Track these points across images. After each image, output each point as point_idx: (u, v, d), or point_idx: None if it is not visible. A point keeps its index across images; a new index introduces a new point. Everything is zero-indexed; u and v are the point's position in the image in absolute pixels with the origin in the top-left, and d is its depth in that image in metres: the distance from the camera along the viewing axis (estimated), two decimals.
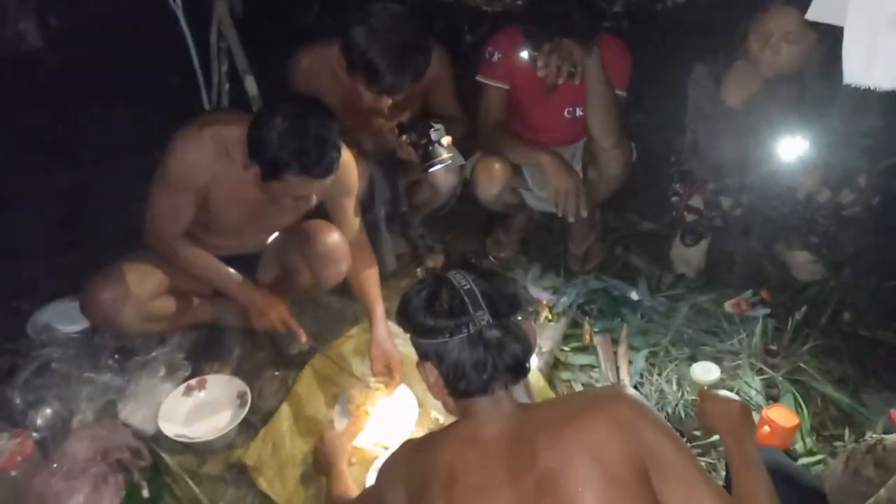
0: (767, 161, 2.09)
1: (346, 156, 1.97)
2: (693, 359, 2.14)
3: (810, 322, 2.22)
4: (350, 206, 2.05)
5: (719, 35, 2.43)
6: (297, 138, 1.65)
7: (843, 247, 2.34)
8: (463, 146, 2.42)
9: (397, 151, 2.13)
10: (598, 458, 1.09)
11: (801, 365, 2.06)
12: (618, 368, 2.13)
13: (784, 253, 2.50)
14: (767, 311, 2.27)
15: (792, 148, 2.00)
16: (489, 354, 1.20)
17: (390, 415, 1.97)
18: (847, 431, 1.86)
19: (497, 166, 2.30)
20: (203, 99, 2.56)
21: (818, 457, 1.82)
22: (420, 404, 2.02)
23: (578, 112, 2.29)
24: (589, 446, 1.11)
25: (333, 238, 2.02)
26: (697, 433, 1.90)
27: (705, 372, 1.95)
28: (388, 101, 2.03)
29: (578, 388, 2.10)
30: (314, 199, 1.80)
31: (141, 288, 1.91)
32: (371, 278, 2.08)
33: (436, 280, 1.25)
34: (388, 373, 2.00)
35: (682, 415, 1.95)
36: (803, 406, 1.93)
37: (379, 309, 2.06)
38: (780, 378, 2.02)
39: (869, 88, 1.97)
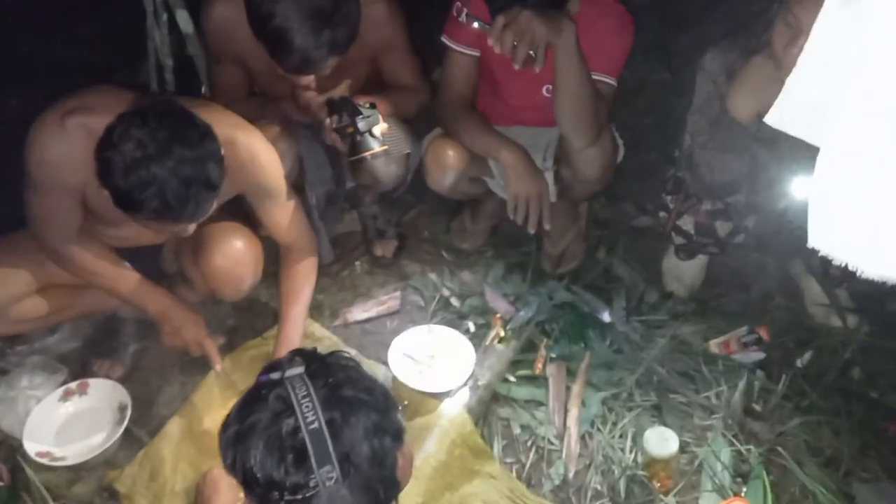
0: (783, 187, 1.64)
1: (258, 146, 1.61)
2: (658, 409, 1.80)
3: (809, 377, 1.85)
4: (275, 206, 1.72)
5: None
6: (148, 175, 1.30)
7: (869, 297, 1.90)
8: (422, 122, 2.03)
9: (323, 134, 1.76)
10: None
11: (784, 438, 1.70)
12: (566, 412, 1.81)
13: (800, 276, 2.07)
14: (761, 356, 1.88)
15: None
16: None
17: None
18: None
19: (451, 154, 1.91)
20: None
21: None
22: None
23: None
24: None
25: (234, 248, 1.70)
26: None
27: (661, 442, 1.62)
28: (306, 80, 1.64)
29: (517, 430, 1.79)
30: (189, 230, 1.46)
31: (1, 289, 1.64)
32: (296, 292, 1.77)
33: (275, 406, 0.93)
34: None
35: (624, 489, 1.64)
36: (771, 500, 1.58)
37: (289, 329, 1.75)
38: (755, 455, 1.67)
39: None
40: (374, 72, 1.93)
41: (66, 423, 1.74)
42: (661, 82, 2.88)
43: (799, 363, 1.89)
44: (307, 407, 0.90)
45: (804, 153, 1.67)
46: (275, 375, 0.97)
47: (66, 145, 1.46)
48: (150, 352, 1.92)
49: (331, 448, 0.88)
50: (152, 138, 1.31)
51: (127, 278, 1.65)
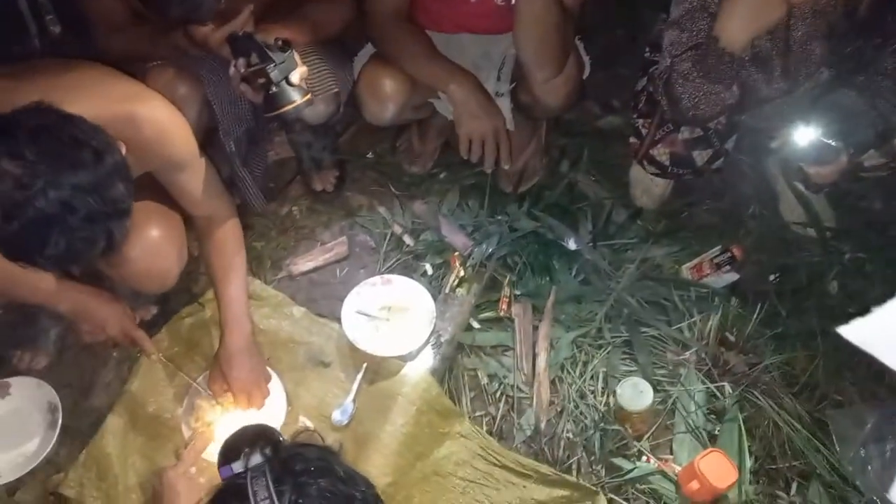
0: (771, 112, 1.43)
1: (161, 116, 1.33)
2: (629, 345, 1.72)
3: (784, 295, 1.77)
4: (183, 177, 1.46)
5: None
6: (38, 220, 1.02)
7: (849, 207, 1.77)
8: (349, 38, 1.71)
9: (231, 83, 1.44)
10: None
11: (758, 372, 1.65)
12: (535, 356, 1.72)
13: (775, 178, 1.93)
14: (734, 277, 1.78)
15: (807, 131, 1.34)
16: None
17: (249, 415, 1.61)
18: (795, 481, 1.53)
19: (388, 84, 1.62)
20: None
21: None
22: (289, 400, 1.65)
23: None
24: None
25: (151, 240, 1.45)
26: (614, 461, 1.57)
27: (636, 395, 1.55)
28: (206, 28, 1.31)
29: (484, 380, 1.71)
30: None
31: None
32: (228, 267, 1.56)
33: None
34: (225, 394, 1.58)
35: (599, 441, 1.59)
36: (747, 442, 1.55)
37: (231, 311, 1.55)
38: (728, 394, 1.62)
39: None
40: None
41: None
42: None
43: (773, 279, 1.81)
44: None
45: (795, 69, 1.46)
46: (237, 466, 0.88)
47: None
48: (75, 333, 1.72)
49: None
50: (31, 172, 1.01)
51: (28, 280, 1.39)
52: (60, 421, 1.56)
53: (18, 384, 1.61)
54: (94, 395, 1.67)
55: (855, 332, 0.51)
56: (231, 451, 1.01)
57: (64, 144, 1.06)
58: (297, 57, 1.38)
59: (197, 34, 1.43)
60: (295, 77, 1.37)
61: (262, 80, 1.37)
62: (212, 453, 1.55)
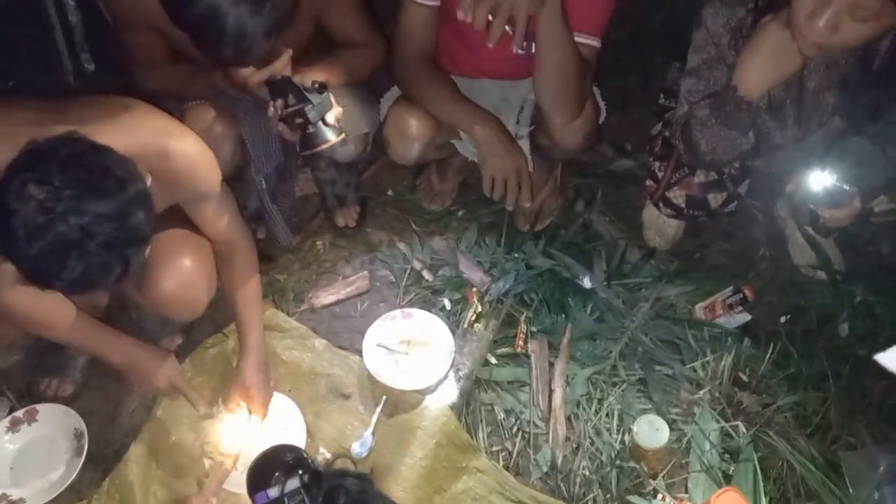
0: (784, 157, 1.49)
1: (191, 151, 1.38)
2: (644, 383, 1.75)
3: (795, 337, 1.80)
4: (210, 209, 1.51)
5: None
6: (60, 243, 1.07)
7: (859, 252, 1.82)
8: (377, 82, 1.78)
9: (269, 123, 1.51)
10: None
11: (771, 412, 1.68)
12: (551, 392, 1.75)
13: (785, 222, 1.98)
14: (747, 318, 1.82)
15: (821, 176, 1.39)
16: None
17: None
18: None
19: (414, 124, 1.69)
20: None
21: None
22: (309, 432, 1.68)
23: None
24: None
25: (184, 269, 1.51)
26: (630, 499, 1.59)
27: (652, 433, 1.57)
28: (247, 70, 1.38)
29: (501, 415, 1.73)
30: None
31: None
32: (245, 293, 1.61)
33: None
34: (240, 408, 1.62)
35: (615, 479, 1.61)
36: (762, 482, 1.57)
37: (252, 335, 1.61)
38: (742, 434, 1.64)
39: None
40: (317, 31, 1.65)
41: (18, 458, 1.60)
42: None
43: (784, 321, 1.84)
44: None
45: (808, 118, 1.52)
46: (273, 492, 0.87)
47: None
48: (99, 363, 1.75)
49: None
50: (56, 197, 1.06)
51: (80, 327, 1.45)
52: (86, 448, 1.58)
53: (46, 411, 1.64)
54: (119, 423, 1.70)
55: (890, 359, 0.53)
56: (262, 474, 1.03)
57: (89, 172, 1.10)
58: (332, 98, 1.45)
59: (237, 76, 1.51)
60: (331, 117, 1.44)
61: (299, 121, 1.44)
62: (233, 483, 1.58)
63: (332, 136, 1.45)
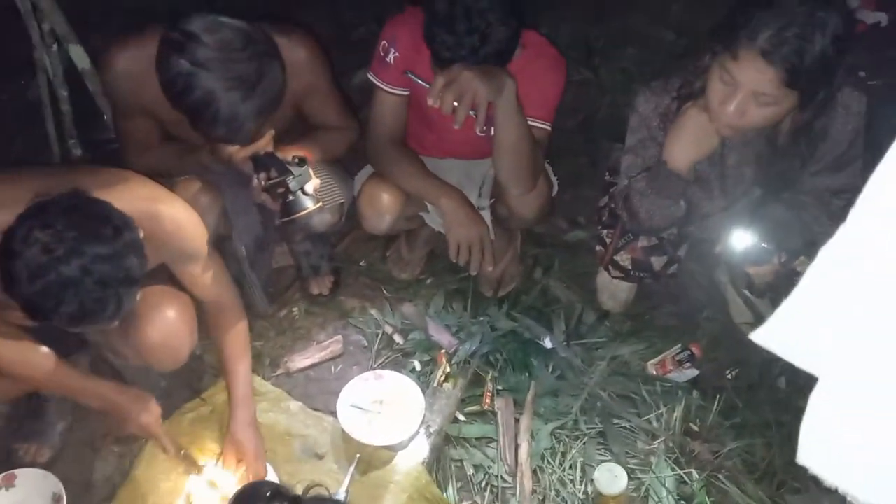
0: (715, 224, 1.69)
1: (179, 214, 1.50)
2: (603, 436, 1.86)
3: (740, 390, 1.95)
4: (198, 269, 1.62)
5: None
6: (59, 280, 1.19)
7: None
8: (351, 159, 1.95)
9: (252, 194, 1.66)
10: None
11: (722, 456, 1.80)
12: (517, 447, 1.84)
13: (724, 286, 2.16)
14: (695, 372, 1.97)
15: (743, 237, 1.59)
16: None
17: None
18: None
19: (386, 198, 1.85)
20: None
21: None
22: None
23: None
24: None
25: (167, 319, 1.60)
26: None
27: (611, 480, 1.67)
28: (233, 148, 1.54)
29: (470, 470, 1.81)
30: (113, 324, 1.36)
31: None
32: (234, 350, 1.70)
33: None
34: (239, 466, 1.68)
35: None
36: None
37: (240, 390, 1.69)
38: (695, 479, 1.75)
39: (851, 148, 1.57)
40: (296, 114, 1.83)
41: None
42: (583, 82, 2.89)
43: (729, 376, 1.99)
44: None
45: (732, 188, 1.73)
46: None
47: None
48: (79, 427, 1.81)
49: None
50: (58, 239, 1.19)
51: (58, 372, 1.52)
52: None
53: (24, 475, 1.66)
54: (95, 487, 1.74)
55: (761, 335, 0.64)
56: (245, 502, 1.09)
57: (89, 219, 1.24)
58: (311, 171, 1.61)
59: (223, 152, 1.65)
60: (309, 188, 1.59)
61: (280, 190, 1.58)
62: None
63: (310, 204, 1.60)
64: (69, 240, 1.20)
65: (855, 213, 0.59)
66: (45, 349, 1.52)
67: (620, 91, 2.73)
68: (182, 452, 1.68)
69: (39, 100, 2.23)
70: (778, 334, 0.66)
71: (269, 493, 1.04)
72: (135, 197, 1.44)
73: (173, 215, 1.50)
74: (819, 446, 0.64)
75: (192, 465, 1.70)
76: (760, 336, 0.65)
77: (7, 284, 1.22)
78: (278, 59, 1.47)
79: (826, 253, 0.61)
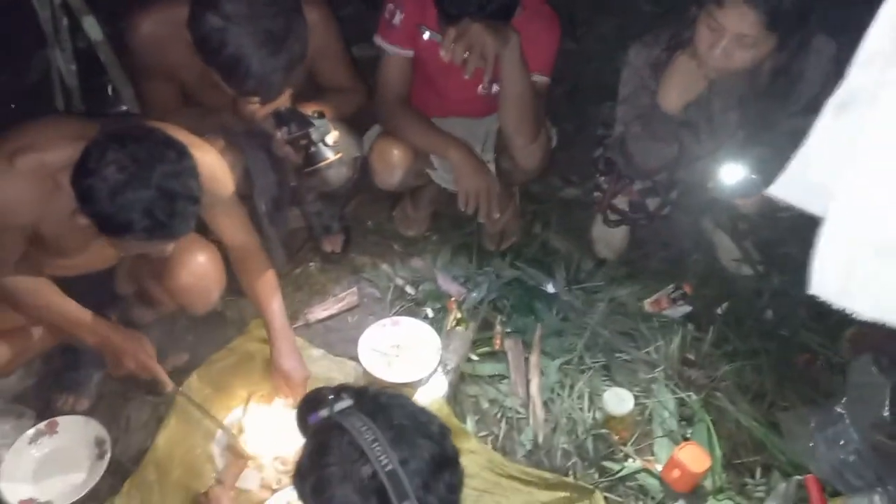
0: (703, 168, 1.84)
1: (211, 161, 1.60)
2: (607, 368, 2.00)
3: (730, 322, 2.10)
4: (227, 215, 1.72)
5: None
6: (135, 196, 1.29)
7: (773, 248, 2.17)
8: (360, 120, 2.06)
9: (274, 147, 1.76)
10: None
11: (717, 381, 1.95)
12: (528, 382, 1.97)
13: (711, 231, 2.32)
14: (688, 308, 2.12)
15: (733, 170, 1.74)
16: None
17: (276, 446, 1.77)
18: (759, 469, 1.79)
19: (396, 153, 1.97)
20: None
21: (727, 494, 1.75)
22: None
23: (495, 88, 1.93)
24: None
25: (198, 263, 1.69)
26: (605, 464, 1.80)
27: (618, 402, 1.81)
28: (255, 106, 1.64)
29: (485, 404, 1.94)
30: (169, 249, 1.46)
31: None
32: (266, 288, 1.79)
33: (348, 453, 1.00)
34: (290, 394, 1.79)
35: (591, 446, 1.83)
36: (716, 437, 1.83)
37: (277, 322, 1.78)
38: (695, 401, 1.90)
39: (824, 90, 1.73)
40: (308, 76, 1.93)
41: (40, 466, 1.71)
42: (568, 51, 3.01)
43: (719, 311, 2.15)
44: (379, 450, 0.97)
45: (718, 131, 1.88)
46: (323, 412, 1.04)
47: (17, 187, 1.40)
48: (114, 377, 1.88)
49: (407, 486, 0.97)
50: (133, 159, 1.30)
51: (62, 310, 1.61)
52: (109, 452, 1.70)
53: (66, 422, 1.76)
54: (133, 433, 1.83)
55: (778, 188, 0.75)
56: (310, 404, 1.17)
57: (155, 144, 1.35)
58: (329, 124, 1.72)
59: (245, 111, 1.75)
60: (330, 139, 1.70)
61: (303, 143, 1.69)
62: (246, 481, 1.72)
63: (331, 155, 1.71)
64: (141, 160, 1.30)
65: (853, 66, 0.72)
66: (49, 284, 1.60)
67: (603, 60, 2.87)
68: (175, 388, 1.74)
69: (43, 78, 2.30)
70: (790, 186, 0.78)
71: (331, 395, 1.13)
72: None
73: (207, 161, 1.59)
74: (828, 277, 0.76)
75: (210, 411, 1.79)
76: (776, 189, 0.77)
77: (83, 201, 1.31)
78: (303, 16, 1.58)
79: (828, 107, 0.74)
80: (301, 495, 1.03)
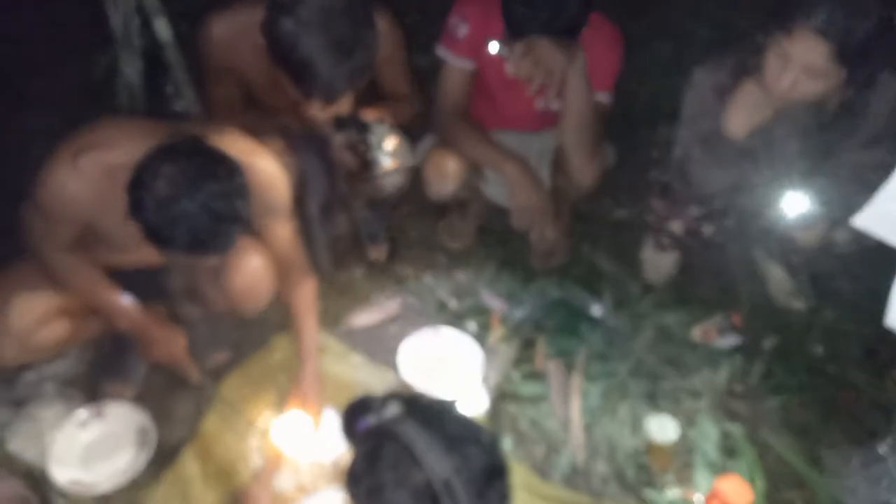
0: (761, 196, 1.81)
1: (270, 169, 1.63)
2: (651, 396, 1.97)
3: (778, 355, 2.06)
4: (279, 225, 1.74)
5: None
6: (180, 213, 1.32)
7: (827, 283, 2.12)
8: (413, 128, 2.07)
9: (332, 151, 1.78)
10: None
11: (762, 414, 1.90)
12: (569, 404, 1.95)
13: (763, 262, 2.28)
14: (737, 341, 2.08)
15: (795, 200, 1.71)
16: None
17: (312, 450, 1.77)
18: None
19: (451, 165, 1.97)
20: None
21: None
22: None
23: (554, 106, 1.93)
24: None
25: (253, 266, 1.72)
26: (644, 491, 1.77)
27: (661, 430, 1.78)
28: (317, 110, 1.66)
29: (524, 424, 1.92)
30: (212, 263, 1.48)
31: (25, 317, 1.62)
32: (303, 305, 1.80)
33: (401, 460, 1.00)
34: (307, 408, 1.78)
35: (630, 472, 1.80)
36: (758, 471, 1.78)
37: (307, 343, 1.79)
38: (739, 433, 1.86)
39: (888, 126, 1.69)
40: (370, 83, 1.95)
41: (88, 449, 1.74)
42: (622, 72, 3.01)
43: (766, 345, 2.10)
44: (433, 459, 0.97)
45: (777, 160, 1.85)
46: (372, 419, 1.04)
47: (80, 184, 1.45)
48: (161, 368, 1.91)
49: (462, 496, 0.96)
50: (183, 175, 1.33)
51: (100, 291, 1.66)
52: (154, 441, 1.72)
53: (113, 408, 1.79)
54: (175, 424, 1.84)
55: (863, 219, 0.73)
56: (356, 411, 1.16)
57: (207, 161, 1.38)
58: (388, 131, 1.73)
59: (307, 114, 1.78)
60: (389, 145, 1.71)
61: (361, 148, 1.71)
62: (281, 481, 1.72)
63: (388, 162, 1.72)
64: (191, 177, 1.33)
65: None
66: (92, 268, 1.65)
67: (657, 82, 2.86)
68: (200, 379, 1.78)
69: (108, 76, 2.36)
70: (875, 218, 0.76)
71: (378, 402, 1.12)
72: (234, 149, 1.56)
73: (267, 169, 1.62)
74: None
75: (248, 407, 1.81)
76: (860, 221, 0.75)
77: (133, 211, 1.34)
78: (374, 27, 1.60)
79: None
80: (355, 498, 1.03)
